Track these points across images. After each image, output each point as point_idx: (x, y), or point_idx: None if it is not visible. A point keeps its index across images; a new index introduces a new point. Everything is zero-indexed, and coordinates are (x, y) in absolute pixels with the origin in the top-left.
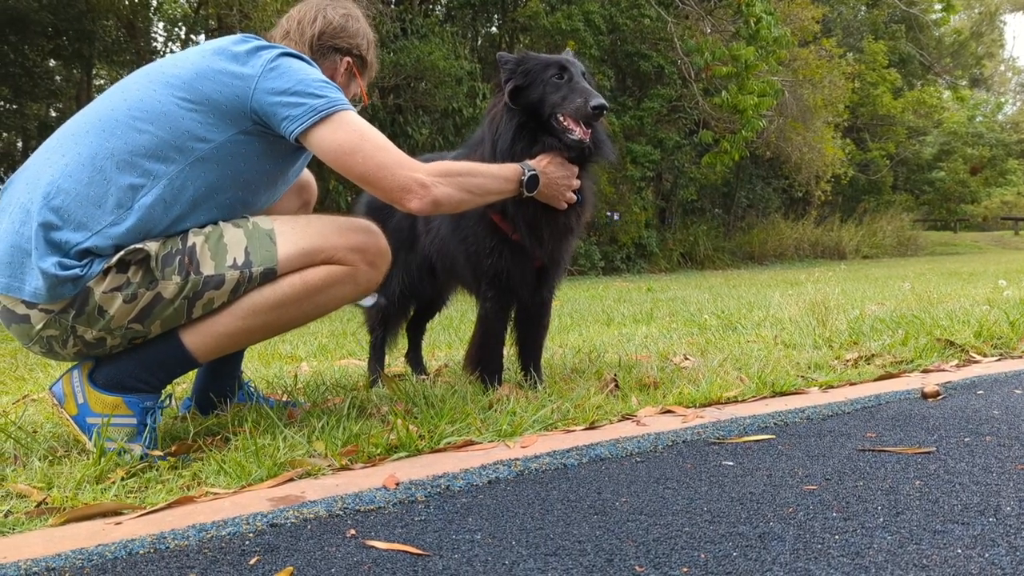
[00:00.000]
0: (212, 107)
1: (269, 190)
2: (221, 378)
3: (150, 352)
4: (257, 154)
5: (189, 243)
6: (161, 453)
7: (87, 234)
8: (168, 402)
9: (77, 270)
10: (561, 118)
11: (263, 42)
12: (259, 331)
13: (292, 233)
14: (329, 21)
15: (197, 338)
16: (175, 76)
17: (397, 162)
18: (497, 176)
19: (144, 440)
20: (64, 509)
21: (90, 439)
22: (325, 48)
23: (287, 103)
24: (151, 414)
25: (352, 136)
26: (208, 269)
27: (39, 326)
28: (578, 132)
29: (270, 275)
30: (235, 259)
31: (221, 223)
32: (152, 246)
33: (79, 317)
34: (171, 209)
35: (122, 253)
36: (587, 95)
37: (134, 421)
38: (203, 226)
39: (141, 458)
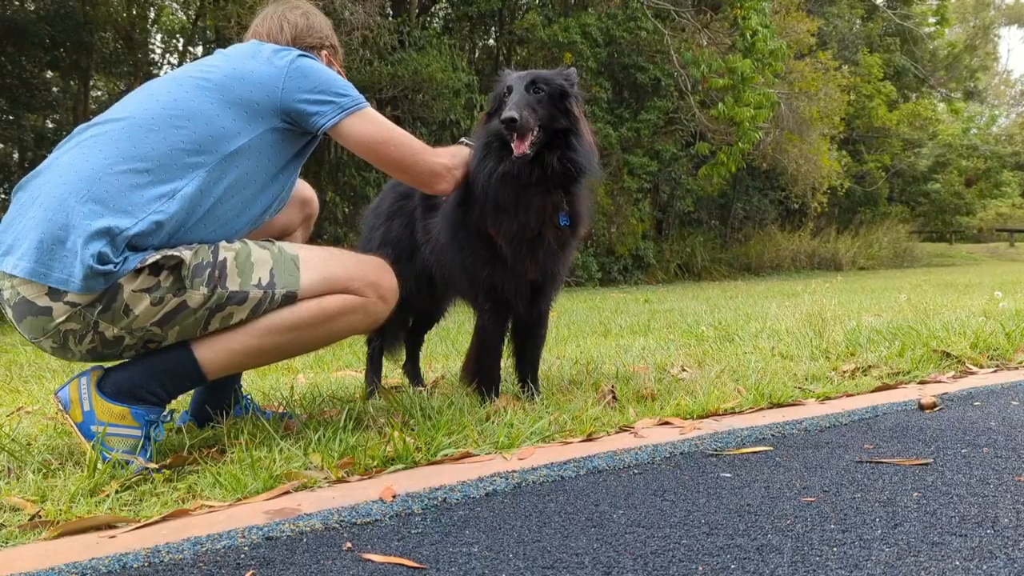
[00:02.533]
0: (244, 106)
1: (275, 190)
2: (220, 391)
3: (162, 364)
4: (281, 149)
5: (220, 257)
6: (156, 466)
7: (134, 220)
8: (169, 417)
9: (112, 266)
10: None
11: (277, 46)
12: (271, 352)
13: (315, 261)
14: (294, 24)
15: (210, 354)
16: (205, 80)
17: (424, 149)
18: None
19: (147, 454)
20: (58, 522)
21: (94, 447)
22: (303, 50)
23: (316, 100)
24: (155, 427)
25: (382, 128)
26: (234, 285)
27: (60, 319)
28: (515, 148)
29: (291, 299)
30: (260, 279)
31: (250, 243)
32: (187, 254)
33: (105, 313)
34: (206, 199)
35: (158, 256)
36: (505, 110)
37: (138, 433)
38: (231, 242)
39: (136, 470)
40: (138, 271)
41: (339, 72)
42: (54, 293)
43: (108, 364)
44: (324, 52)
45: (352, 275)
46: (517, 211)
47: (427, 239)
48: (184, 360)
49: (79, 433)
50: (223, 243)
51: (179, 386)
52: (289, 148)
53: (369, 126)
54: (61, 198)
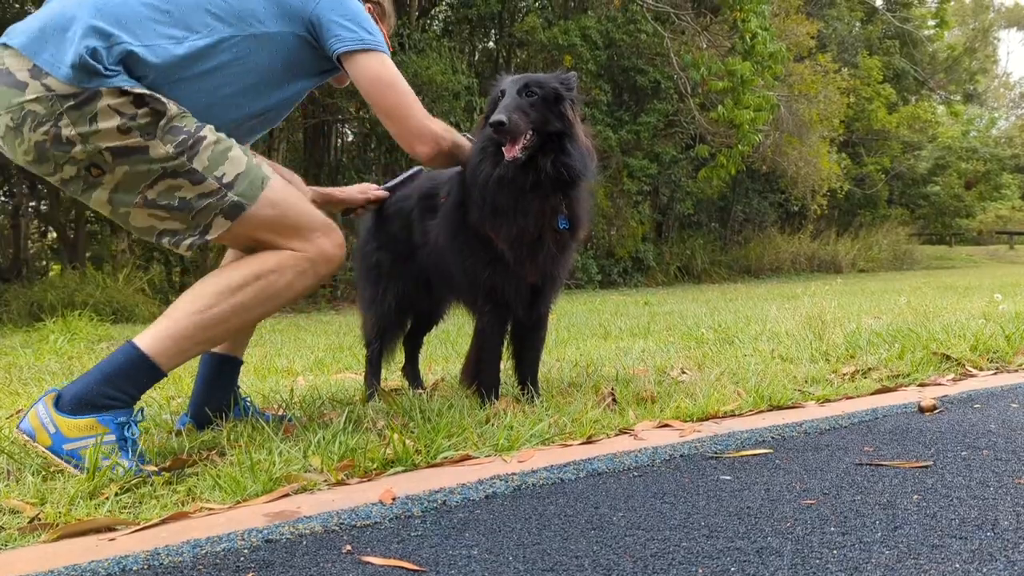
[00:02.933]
0: (278, 2)
1: (271, 100)
2: (217, 392)
3: (113, 368)
4: (290, 58)
5: (202, 134)
6: (156, 468)
7: (137, 41)
8: (141, 416)
9: (101, 66)
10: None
11: None
12: (216, 325)
13: (281, 194)
14: None
15: (157, 345)
16: None
17: (422, 111)
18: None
19: (129, 454)
20: (57, 525)
21: (76, 465)
22: None
23: (342, 24)
24: (128, 428)
25: (391, 73)
26: (199, 164)
27: (30, 97)
28: (506, 152)
29: (238, 209)
30: (225, 174)
31: (235, 143)
32: (173, 108)
33: (73, 110)
34: (209, 61)
35: (147, 92)
36: (495, 114)
37: (113, 437)
38: (219, 129)
39: (135, 473)
40: (122, 92)
41: (383, 34)
42: (36, 71)
43: (60, 387)
44: (369, 5)
45: (302, 224)
46: (515, 215)
47: (425, 241)
48: (134, 359)
49: (52, 456)
50: (211, 127)
51: (139, 385)
52: (301, 63)
53: (381, 68)
54: (80, 3)
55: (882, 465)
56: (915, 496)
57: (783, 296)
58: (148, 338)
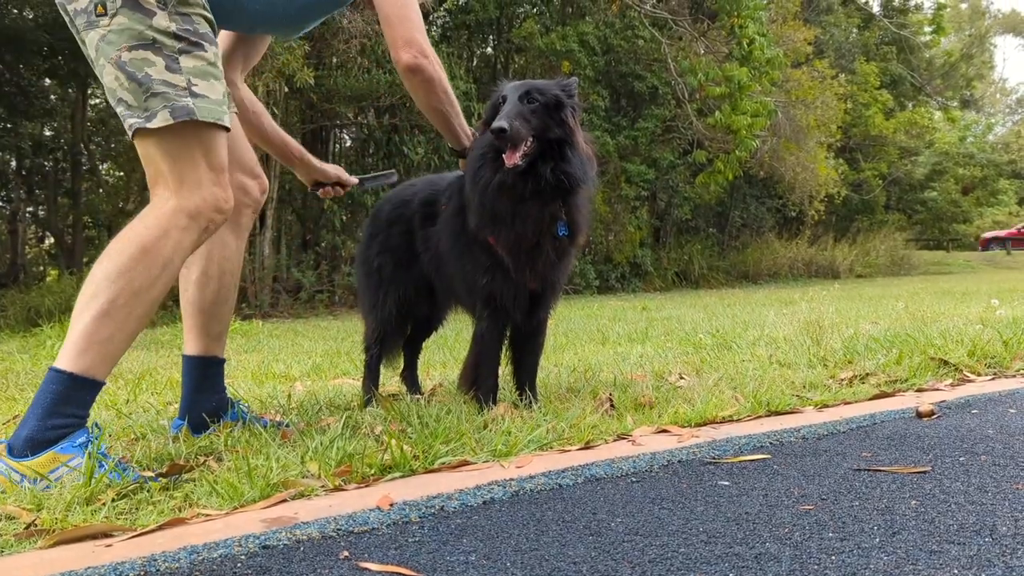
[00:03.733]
0: None
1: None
2: (204, 394)
3: (50, 398)
4: None
5: (206, 44)
6: (152, 474)
7: None
8: (98, 430)
9: None
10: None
11: None
12: (123, 316)
13: (219, 141)
14: None
15: (79, 360)
16: None
17: (423, 30)
18: (455, 127)
19: (104, 467)
20: (54, 531)
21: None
22: None
23: None
24: (88, 445)
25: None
26: (184, 62)
27: None
28: (507, 159)
29: (184, 114)
30: (197, 85)
31: (224, 81)
32: None
33: None
34: None
35: None
36: (496, 120)
37: (80, 460)
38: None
39: (132, 479)
40: None
41: None
42: None
43: (6, 440)
44: None
45: (202, 174)
46: (514, 221)
47: (426, 248)
48: (66, 383)
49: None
50: (216, 50)
51: (82, 404)
52: None
53: None
54: None
55: (880, 470)
56: (913, 501)
57: (781, 301)
58: (67, 357)
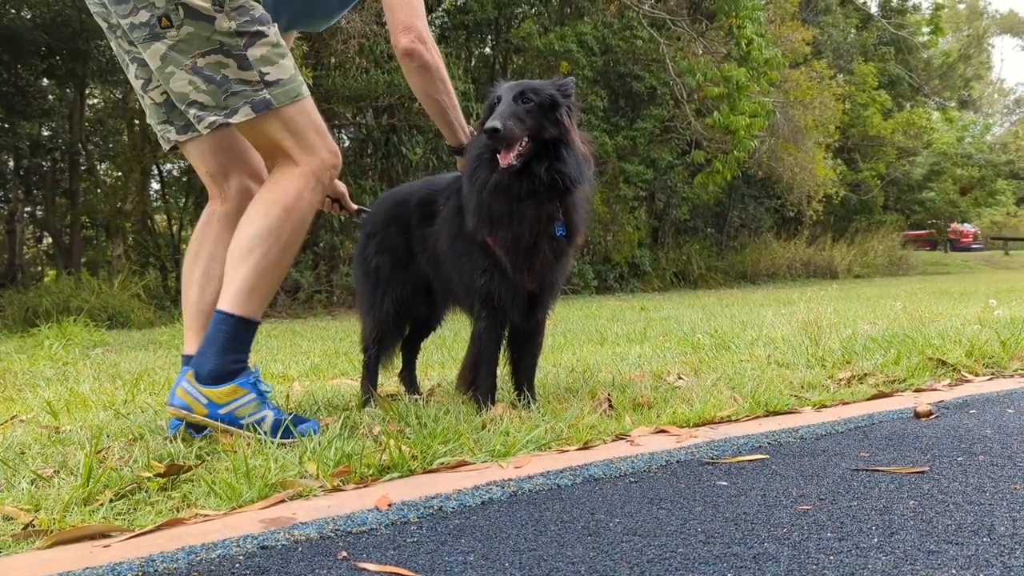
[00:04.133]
0: None
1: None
2: None
3: (225, 337)
4: None
5: (264, 28)
6: (150, 474)
7: None
8: (258, 371)
9: None
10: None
11: None
12: (273, 268)
13: (308, 107)
14: None
15: (243, 304)
16: None
17: (422, 13)
18: (452, 121)
19: (270, 405)
20: (51, 531)
21: (239, 426)
22: None
23: None
24: (259, 384)
25: None
26: (251, 54)
27: None
28: (501, 159)
29: (265, 106)
30: (268, 73)
31: (289, 53)
32: None
33: None
34: None
35: None
36: (489, 120)
37: (253, 396)
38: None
39: (277, 417)
40: None
41: None
42: None
43: (193, 368)
44: None
45: (310, 137)
46: (511, 222)
47: (424, 248)
48: (234, 323)
49: (211, 422)
50: (276, 28)
51: (247, 342)
52: None
53: None
54: None
55: (878, 470)
56: (911, 501)
57: (779, 301)
58: (233, 303)
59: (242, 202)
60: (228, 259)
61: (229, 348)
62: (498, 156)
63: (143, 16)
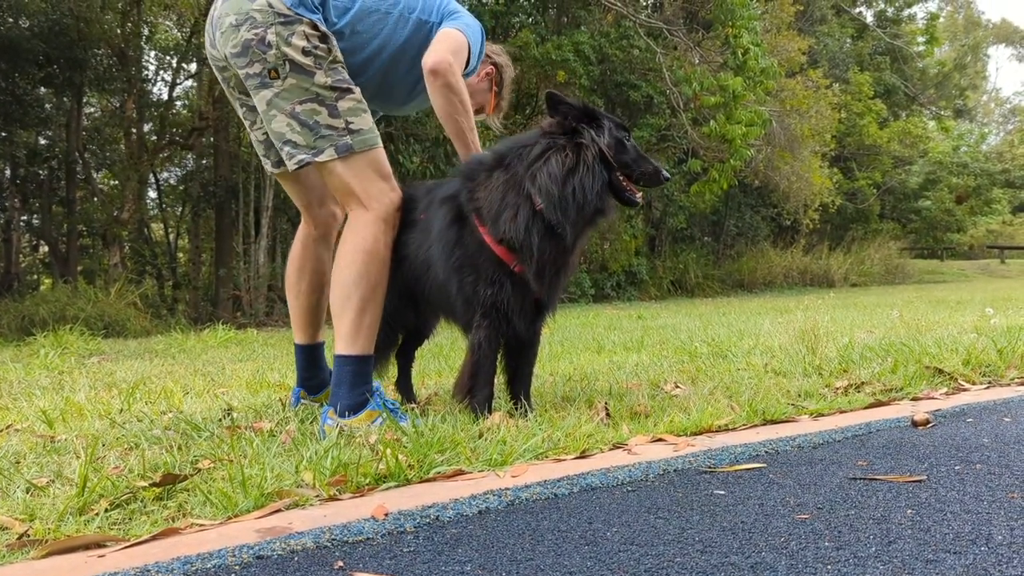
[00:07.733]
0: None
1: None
2: (312, 371)
3: (350, 377)
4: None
5: (353, 87)
6: (146, 483)
7: None
8: (380, 390)
9: (312, 4)
10: (621, 178)
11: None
12: (370, 307)
13: (379, 157)
14: (494, 50)
15: (355, 344)
16: None
17: (457, 51)
18: (469, 144)
19: (402, 416)
20: (46, 541)
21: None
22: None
23: (455, 13)
24: (387, 402)
25: (460, 40)
26: (341, 105)
27: (256, 7)
28: (635, 193)
29: (347, 150)
30: (352, 122)
31: (369, 111)
32: (337, 54)
33: (281, 25)
34: (373, 27)
35: (329, 32)
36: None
37: (384, 415)
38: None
39: (397, 417)
40: (315, 26)
41: (490, 97)
42: None
43: (327, 404)
44: (490, 68)
45: (377, 186)
46: (577, 239)
47: (406, 254)
48: (354, 363)
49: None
50: (359, 89)
51: (369, 375)
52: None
53: (457, 33)
54: None
55: (876, 479)
56: (909, 510)
57: (776, 310)
58: (347, 345)
59: (329, 226)
60: (332, 305)
61: (356, 383)
62: (628, 190)
63: (256, 68)
